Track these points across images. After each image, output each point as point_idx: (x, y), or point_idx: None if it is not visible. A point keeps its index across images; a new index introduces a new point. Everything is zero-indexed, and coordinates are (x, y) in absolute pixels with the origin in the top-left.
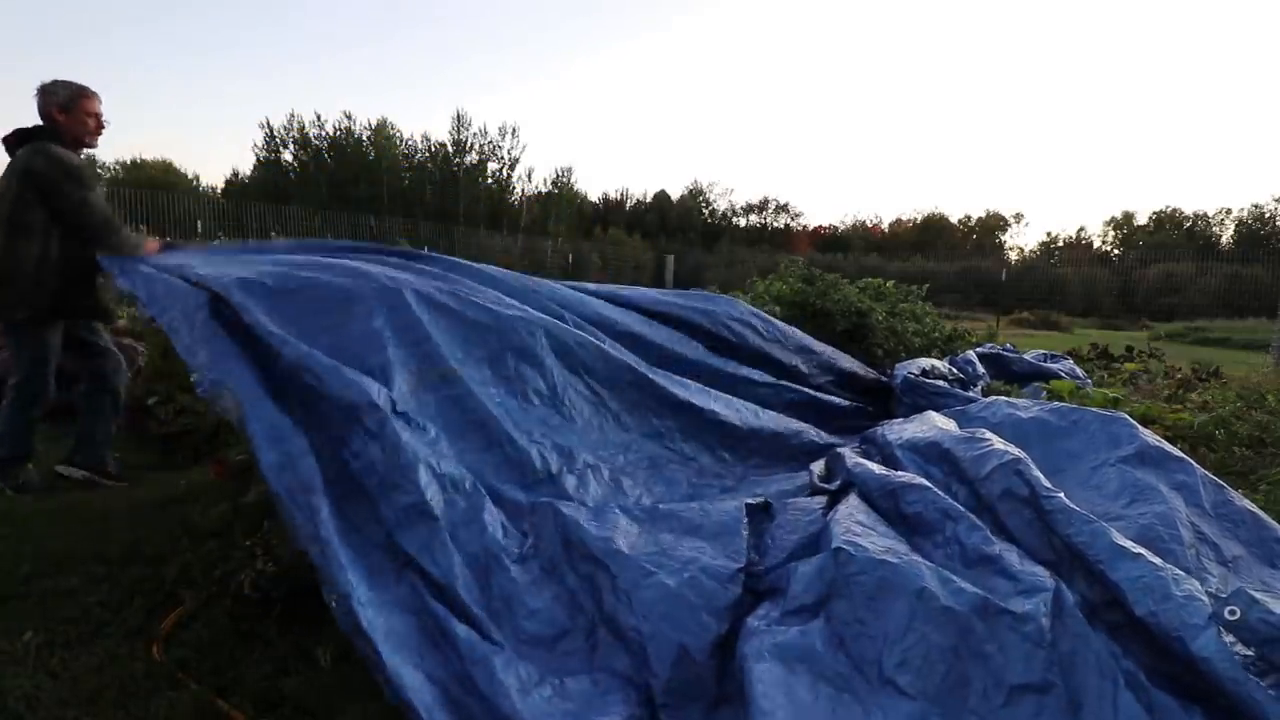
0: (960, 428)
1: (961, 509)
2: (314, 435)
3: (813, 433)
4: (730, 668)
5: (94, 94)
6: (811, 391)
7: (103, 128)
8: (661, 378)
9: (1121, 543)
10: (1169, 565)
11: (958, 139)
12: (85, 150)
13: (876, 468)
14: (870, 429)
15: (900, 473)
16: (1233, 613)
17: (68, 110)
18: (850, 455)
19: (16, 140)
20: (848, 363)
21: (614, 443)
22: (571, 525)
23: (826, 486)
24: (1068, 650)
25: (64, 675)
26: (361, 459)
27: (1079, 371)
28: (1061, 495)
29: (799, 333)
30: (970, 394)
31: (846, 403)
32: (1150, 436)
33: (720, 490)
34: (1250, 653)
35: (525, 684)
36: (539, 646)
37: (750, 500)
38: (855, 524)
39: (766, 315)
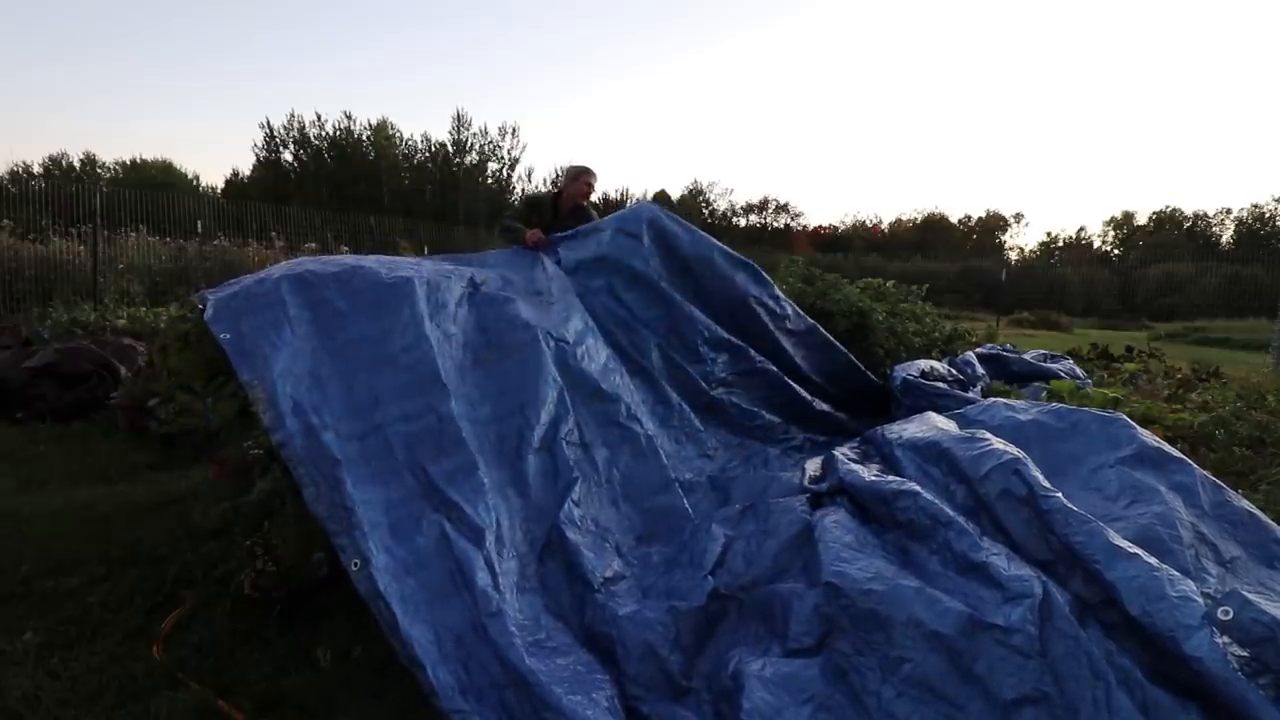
0: (959, 429)
1: (951, 513)
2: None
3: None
4: (699, 667)
5: (590, 173)
6: (821, 403)
7: (592, 191)
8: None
9: (1117, 542)
10: (1165, 566)
11: (958, 139)
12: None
13: (868, 473)
14: (870, 430)
15: (890, 478)
16: (1226, 613)
17: (569, 184)
18: (843, 461)
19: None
20: (861, 379)
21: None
22: (573, 550)
23: (815, 488)
24: (1059, 654)
25: (64, 675)
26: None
27: (1079, 371)
28: (1059, 495)
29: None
30: (970, 395)
31: (846, 417)
32: (1149, 437)
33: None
34: (1245, 653)
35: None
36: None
37: (725, 524)
38: (844, 549)
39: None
